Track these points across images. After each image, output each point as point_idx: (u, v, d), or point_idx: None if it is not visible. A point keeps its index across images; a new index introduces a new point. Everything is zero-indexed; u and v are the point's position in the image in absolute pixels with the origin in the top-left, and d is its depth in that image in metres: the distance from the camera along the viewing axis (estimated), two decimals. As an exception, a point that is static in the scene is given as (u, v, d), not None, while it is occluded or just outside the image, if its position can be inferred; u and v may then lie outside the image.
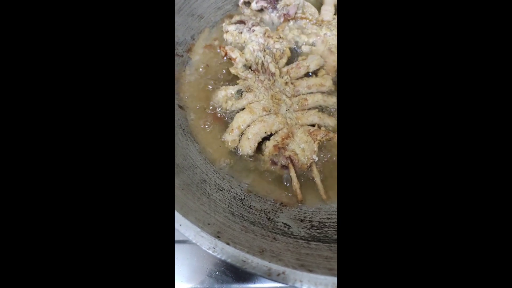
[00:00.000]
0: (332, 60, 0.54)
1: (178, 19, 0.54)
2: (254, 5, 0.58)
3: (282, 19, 0.57)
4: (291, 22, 0.57)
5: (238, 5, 0.60)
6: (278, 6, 0.57)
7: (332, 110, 0.50)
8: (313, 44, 0.55)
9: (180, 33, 0.54)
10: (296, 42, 0.56)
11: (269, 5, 0.58)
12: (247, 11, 0.59)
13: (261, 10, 0.58)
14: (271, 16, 0.58)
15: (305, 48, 0.55)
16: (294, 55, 0.55)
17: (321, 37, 0.55)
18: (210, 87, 0.52)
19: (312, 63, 0.52)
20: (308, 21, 0.57)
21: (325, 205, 0.42)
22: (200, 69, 0.53)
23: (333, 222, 0.40)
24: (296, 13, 0.58)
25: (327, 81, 0.50)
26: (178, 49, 0.53)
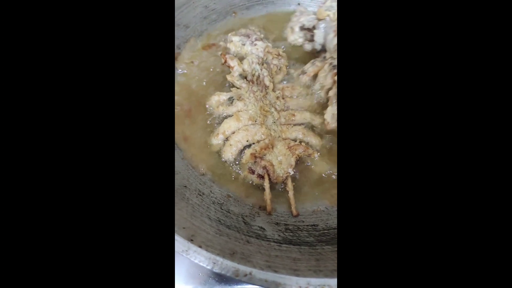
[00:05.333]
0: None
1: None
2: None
3: None
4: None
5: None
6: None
7: (318, 129, 0.51)
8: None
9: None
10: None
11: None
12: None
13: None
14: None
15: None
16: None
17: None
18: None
19: None
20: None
21: (301, 209, 0.45)
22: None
23: (306, 225, 0.42)
24: None
25: None
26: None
